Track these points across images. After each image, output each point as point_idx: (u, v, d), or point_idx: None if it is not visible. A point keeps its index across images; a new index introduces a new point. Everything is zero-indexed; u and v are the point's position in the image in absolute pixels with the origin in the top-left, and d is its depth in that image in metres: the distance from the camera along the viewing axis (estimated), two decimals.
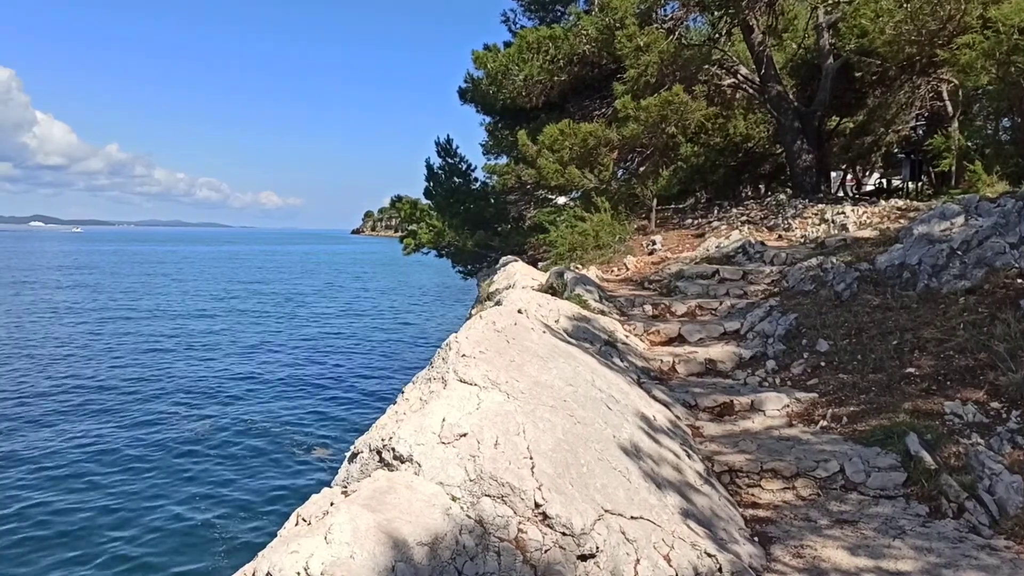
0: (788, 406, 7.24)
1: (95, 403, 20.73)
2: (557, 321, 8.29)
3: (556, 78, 19.67)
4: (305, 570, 2.53)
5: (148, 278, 68.92)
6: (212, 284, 64.33)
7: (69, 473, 15.36)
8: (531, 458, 3.60)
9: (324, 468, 15.35)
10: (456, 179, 25.45)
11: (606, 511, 3.62)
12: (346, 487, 3.42)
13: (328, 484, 3.72)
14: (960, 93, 18.48)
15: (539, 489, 3.37)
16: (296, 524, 3.14)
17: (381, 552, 2.72)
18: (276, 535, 3.10)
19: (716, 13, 18.92)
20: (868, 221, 14.62)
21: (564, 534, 3.27)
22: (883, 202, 17.01)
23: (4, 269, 76.22)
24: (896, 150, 26.84)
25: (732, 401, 7.35)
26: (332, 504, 3.13)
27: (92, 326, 35.90)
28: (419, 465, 3.39)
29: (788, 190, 20.37)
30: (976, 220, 9.46)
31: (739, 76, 20.51)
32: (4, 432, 17.81)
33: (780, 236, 15.10)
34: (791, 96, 19.97)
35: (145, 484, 14.69)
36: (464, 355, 4.47)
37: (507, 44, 20.87)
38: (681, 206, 23.58)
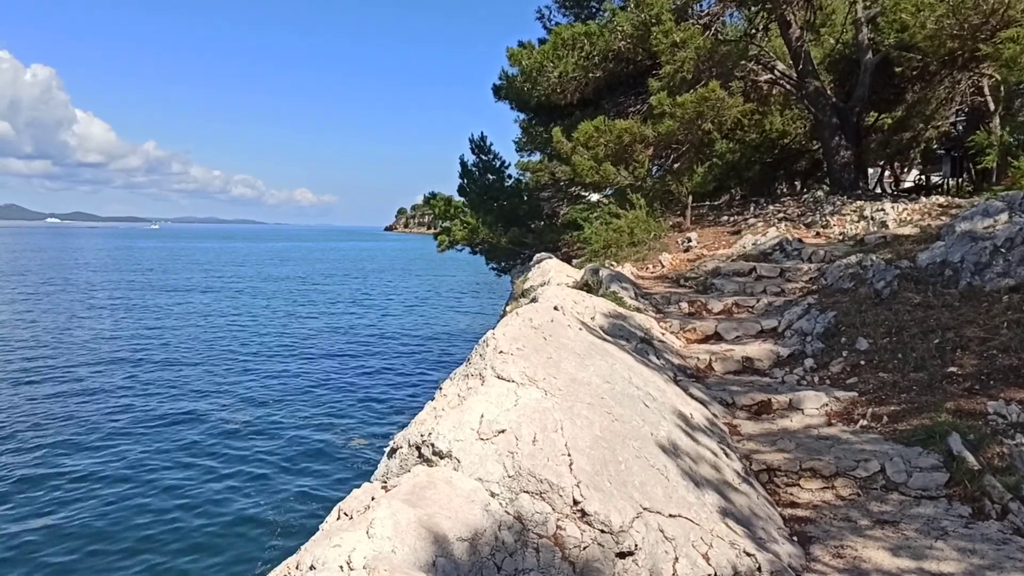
0: (827, 405, 7.17)
1: (136, 391, 21.10)
2: (593, 318, 8.27)
3: (591, 75, 19.58)
4: (348, 564, 2.56)
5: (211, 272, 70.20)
6: (262, 279, 65.47)
7: (113, 459, 15.69)
8: (569, 455, 3.60)
9: (364, 462, 15.47)
10: (490, 176, 25.47)
11: (644, 509, 3.62)
12: (386, 482, 3.45)
13: (368, 478, 3.76)
14: (1002, 88, 18.12)
15: (577, 486, 3.38)
16: (338, 518, 3.18)
17: (422, 547, 2.74)
18: (318, 528, 3.14)
19: (753, 8, 18.74)
20: (908, 218, 14.38)
21: (602, 531, 3.28)
22: (923, 199, 16.72)
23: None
24: (936, 146, 26.38)
25: (770, 399, 7.29)
26: (373, 499, 3.16)
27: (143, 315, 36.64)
28: (458, 461, 3.41)
29: (825, 187, 20.08)
30: (1020, 217, 9.30)
31: (776, 72, 20.28)
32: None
33: (818, 233, 14.91)
34: (829, 92, 19.70)
35: (187, 476, 14.91)
36: (501, 352, 4.48)
37: (542, 41, 20.81)
38: (717, 203, 23.37)
